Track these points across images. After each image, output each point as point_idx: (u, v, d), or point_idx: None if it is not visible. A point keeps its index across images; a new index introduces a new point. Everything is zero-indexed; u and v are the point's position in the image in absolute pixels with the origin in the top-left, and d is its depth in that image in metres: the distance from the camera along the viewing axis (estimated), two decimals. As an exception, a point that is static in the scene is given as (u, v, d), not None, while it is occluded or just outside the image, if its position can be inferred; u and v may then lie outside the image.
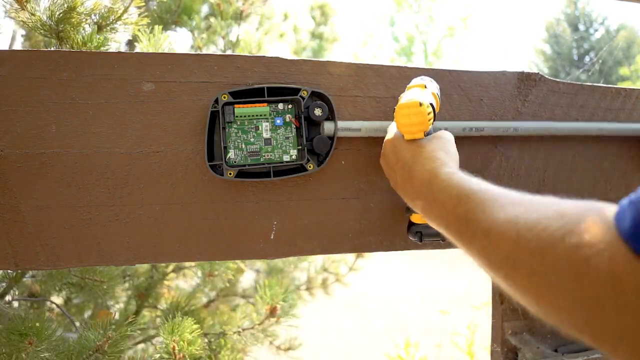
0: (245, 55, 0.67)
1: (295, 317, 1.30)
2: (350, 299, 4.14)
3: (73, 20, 0.77)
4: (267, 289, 1.25)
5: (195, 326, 0.96)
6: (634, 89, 0.87)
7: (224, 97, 0.64)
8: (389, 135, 0.63)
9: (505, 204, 0.41)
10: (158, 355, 0.94)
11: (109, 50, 0.80)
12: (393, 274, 5.22)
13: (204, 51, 1.61)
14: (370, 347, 3.35)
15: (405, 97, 0.59)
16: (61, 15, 0.76)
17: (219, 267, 1.31)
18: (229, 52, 1.55)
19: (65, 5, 0.75)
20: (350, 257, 2.07)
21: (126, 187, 0.64)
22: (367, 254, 2.03)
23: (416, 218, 0.67)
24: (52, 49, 0.78)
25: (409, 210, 0.67)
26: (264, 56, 0.68)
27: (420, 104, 0.56)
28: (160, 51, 0.88)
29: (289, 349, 1.63)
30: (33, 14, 0.75)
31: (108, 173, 0.63)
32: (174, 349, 0.91)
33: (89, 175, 0.62)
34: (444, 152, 0.56)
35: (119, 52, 0.64)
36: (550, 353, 0.80)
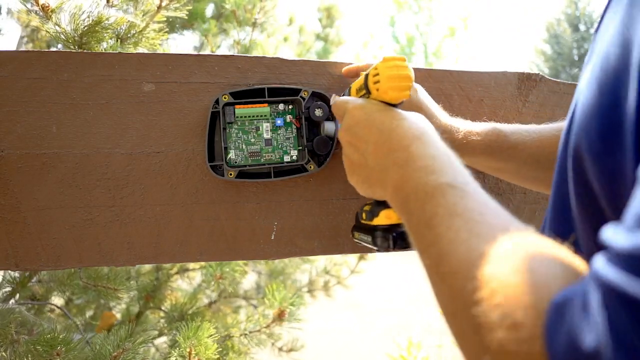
0: (245, 56, 0.67)
1: (300, 321, 1.30)
2: (352, 300, 4.14)
3: (97, 34, 0.79)
4: (275, 292, 1.25)
5: (213, 330, 0.96)
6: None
7: (225, 98, 0.64)
8: (352, 102, 0.53)
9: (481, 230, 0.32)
10: (173, 358, 0.94)
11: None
12: (394, 274, 5.22)
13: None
14: (372, 347, 3.35)
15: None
16: (86, 28, 0.77)
17: (223, 269, 1.31)
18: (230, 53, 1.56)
19: (91, 19, 0.77)
20: (352, 260, 2.07)
21: (127, 188, 0.64)
22: (369, 257, 2.03)
23: (383, 218, 0.53)
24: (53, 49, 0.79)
25: (373, 210, 0.54)
26: (264, 57, 0.68)
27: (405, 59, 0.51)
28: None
29: (291, 350, 1.63)
30: (58, 25, 0.76)
31: (109, 174, 0.63)
32: (190, 352, 0.92)
33: (89, 175, 0.62)
34: (429, 125, 0.48)
35: (119, 53, 0.64)
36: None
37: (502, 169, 0.65)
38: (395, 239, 0.52)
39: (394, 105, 0.51)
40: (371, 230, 0.54)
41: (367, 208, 0.56)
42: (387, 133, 0.46)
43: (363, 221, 0.57)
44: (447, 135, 0.62)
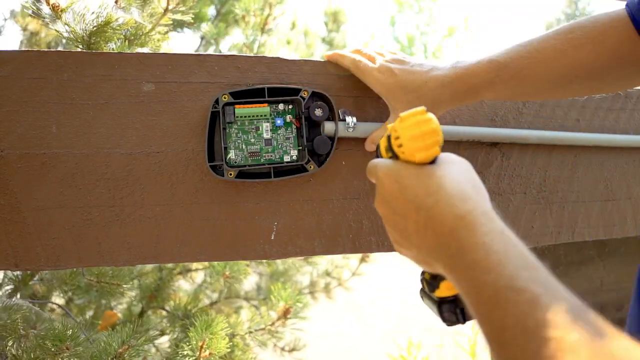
0: (245, 56, 0.67)
1: (304, 320, 1.31)
2: (352, 300, 4.14)
3: (106, 34, 0.79)
4: (281, 290, 1.25)
5: (225, 324, 0.97)
6: (634, 89, 0.87)
7: (225, 98, 0.64)
8: (382, 168, 0.47)
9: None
10: (185, 352, 0.95)
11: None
12: (394, 274, 5.21)
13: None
14: (372, 347, 3.35)
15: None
16: (95, 28, 0.78)
17: (232, 268, 1.31)
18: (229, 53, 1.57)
19: (100, 20, 0.78)
20: (353, 262, 2.07)
21: (126, 188, 0.64)
22: (370, 258, 2.03)
23: (445, 290, 0.49)
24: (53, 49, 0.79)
25: (432, 282, 0.50)
26: (264, 56, 0.68)
27: (427, 111, 0.45)
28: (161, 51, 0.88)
29: (293, 349, 1.64)
30: (68, 25, 0.77)
31: (108, 174, 0.63)
32: (202, 346, 0.92)
33: (89, 175, 0.62)
34: (472, 186, 0.41)
35: (119, 53, 0.64)
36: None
37: (514, 95, 0.64)
38: (463, 312, 0.47)
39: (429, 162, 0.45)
40: (436, 303, 0.50)
41: (427, 276, 0.51)
42: (425, 212, 0.41)
43: (425, 290, 0.52)
44: (446, 90, 0.59)
